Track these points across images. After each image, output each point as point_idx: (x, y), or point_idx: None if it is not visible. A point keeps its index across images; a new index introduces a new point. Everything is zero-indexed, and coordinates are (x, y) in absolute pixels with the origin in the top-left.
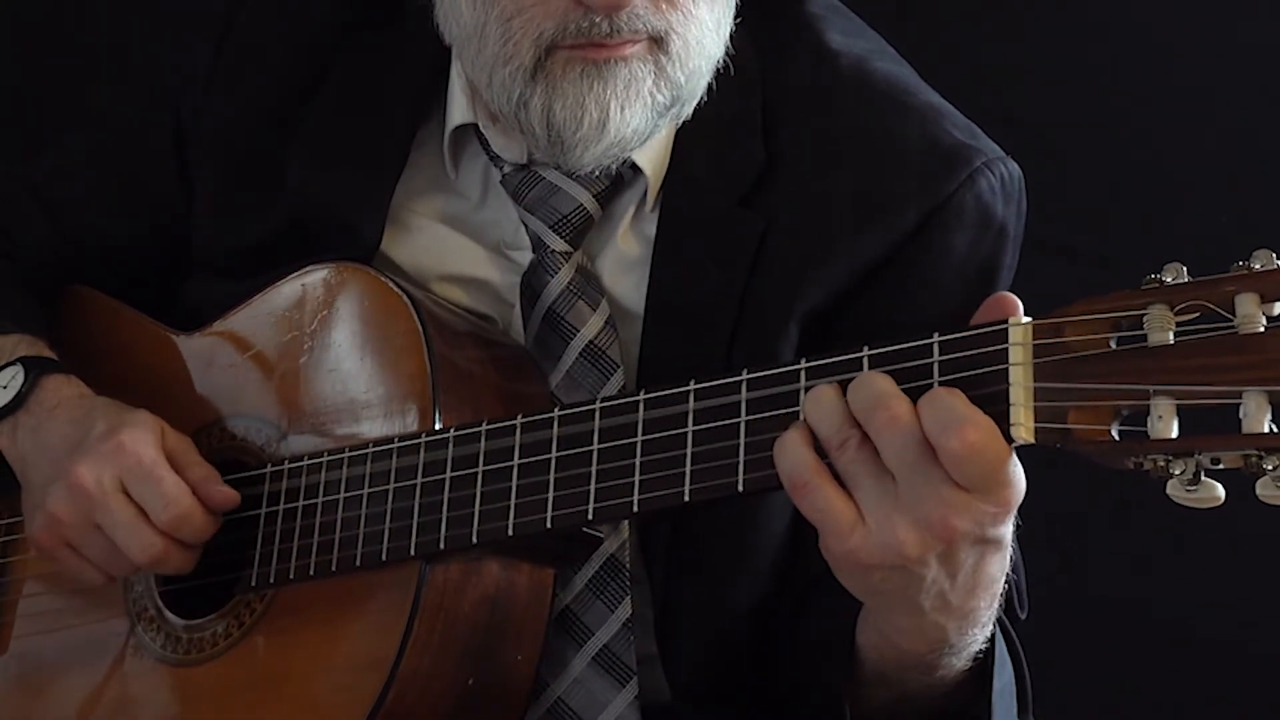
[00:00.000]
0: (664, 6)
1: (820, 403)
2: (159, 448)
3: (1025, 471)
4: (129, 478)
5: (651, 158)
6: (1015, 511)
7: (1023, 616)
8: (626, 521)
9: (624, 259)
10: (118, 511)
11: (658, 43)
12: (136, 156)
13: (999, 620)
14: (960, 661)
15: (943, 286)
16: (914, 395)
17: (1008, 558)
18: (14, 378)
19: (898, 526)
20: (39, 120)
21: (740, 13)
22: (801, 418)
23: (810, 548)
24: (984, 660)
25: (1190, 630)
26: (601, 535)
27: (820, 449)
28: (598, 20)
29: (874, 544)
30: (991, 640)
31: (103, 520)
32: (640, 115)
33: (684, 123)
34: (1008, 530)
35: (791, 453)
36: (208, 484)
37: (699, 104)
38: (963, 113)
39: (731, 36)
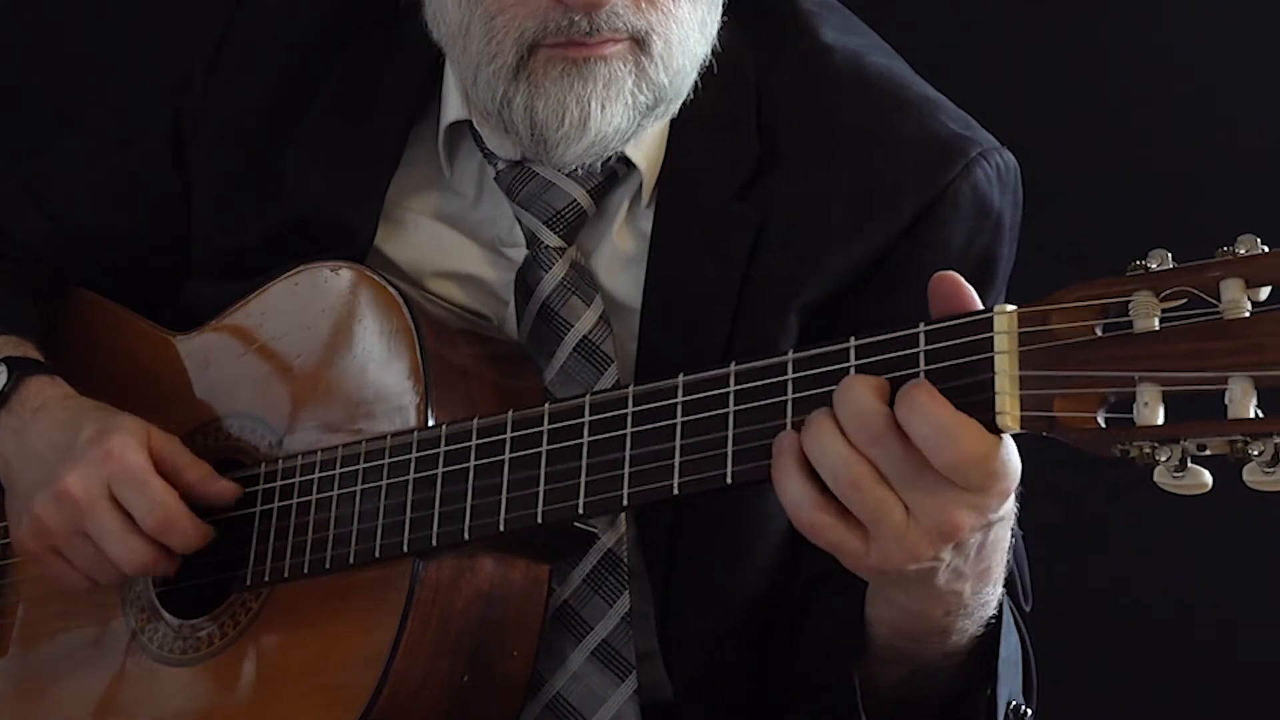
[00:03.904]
0: (644, 6)
1: (822, 439)
2: (146, 452)
3: (1026, 471)
4: (116, 484)
5: (646, 153)
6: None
7: (1027, 608)
8: (624, 516)
9: (619, 254)
10: (105, 519)
11: (639, 43)
12: (134, 156)
13: (1007, 601)
14: (973, 625)
15: None
16: (900, 385)
17: (1013, 518)
18: None
19: (908, 542)
20: (39, 120)
21: (733, 8)
22: (798, 443)
23: (813, 547)
24: (993, 627)
25: (1191, 630)
26: (597, 531)
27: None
28: (577, 19)
29: (889, 559)
30: (999, 607)
31: (90, 528)
32: (621, 114)
33: (678, 118)
34: (1011, 502)
35: (793, 492)
36: (206, 481)
37: (693, 100)
38: (956, 106)
39: (725, 31)
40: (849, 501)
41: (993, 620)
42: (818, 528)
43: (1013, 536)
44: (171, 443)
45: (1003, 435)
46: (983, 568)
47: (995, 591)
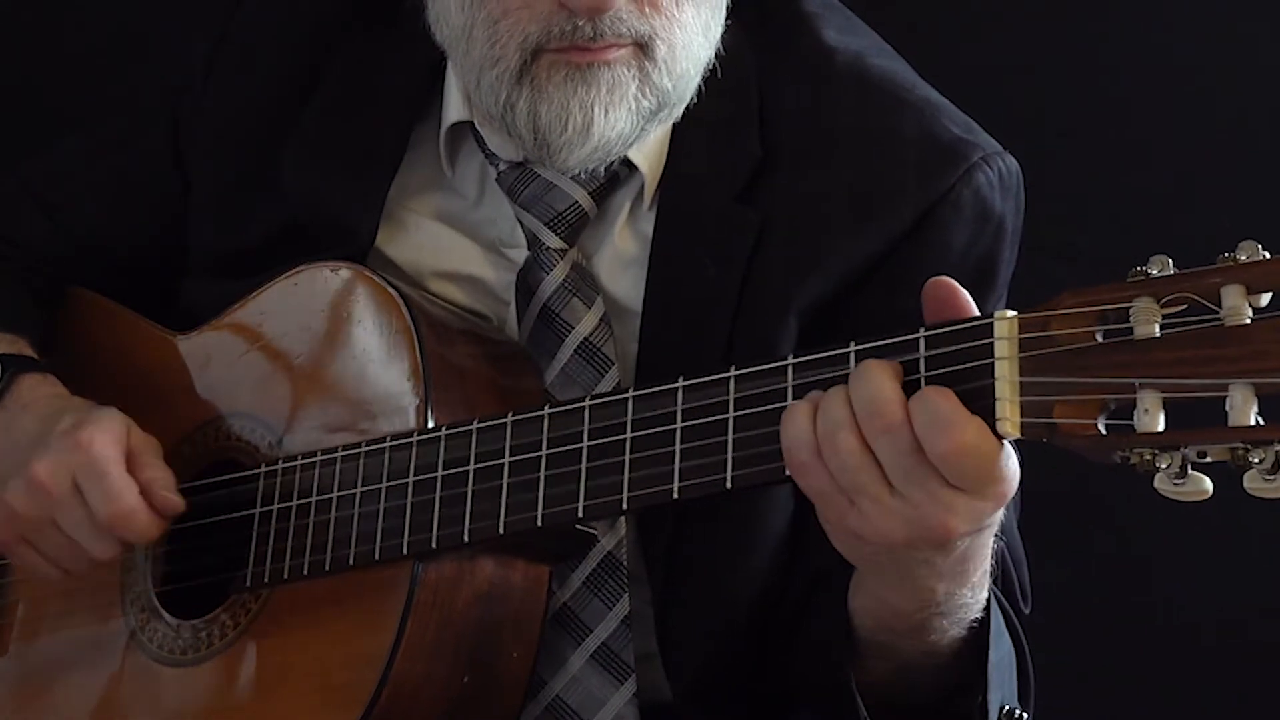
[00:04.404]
0: (648, 10)
1: (831, 408)
2: (119, 444)
3: (1025, 471)
4: (80, 473)
5: (647, 155)
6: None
7: (1026, 611)
8: (624, 519)
9: (621, 256)
10: (73, 509)
11: (643, 48)
12: (134, 157)
13: (1001, 604)
14: (954, 628)
15: None
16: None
17: (998, 525)
18: None
19: (893, 525)
20: (39, 120)
21: (736, 11)
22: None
23: (812, 544)
24: (980, 631)
25: (1190, 629)
26: (597, 534)
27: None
28: (581, 24)
29: (870, 532)
30: (987, 610)
31: (59, 518)
32: (625, 119)
33: (680, 121)
34: (1001, 511)
35: (794, 427)
36: (154, 486)
37: (695, 102)
38: (959, 110)
39: (727, 34)
40: (830, 464)
41: (976, 624)
42: (809, 471)
43: (1002, 536)
44: (147, 442)
45: (1003, 441)
46: (960, 570)
47: (975, 596)
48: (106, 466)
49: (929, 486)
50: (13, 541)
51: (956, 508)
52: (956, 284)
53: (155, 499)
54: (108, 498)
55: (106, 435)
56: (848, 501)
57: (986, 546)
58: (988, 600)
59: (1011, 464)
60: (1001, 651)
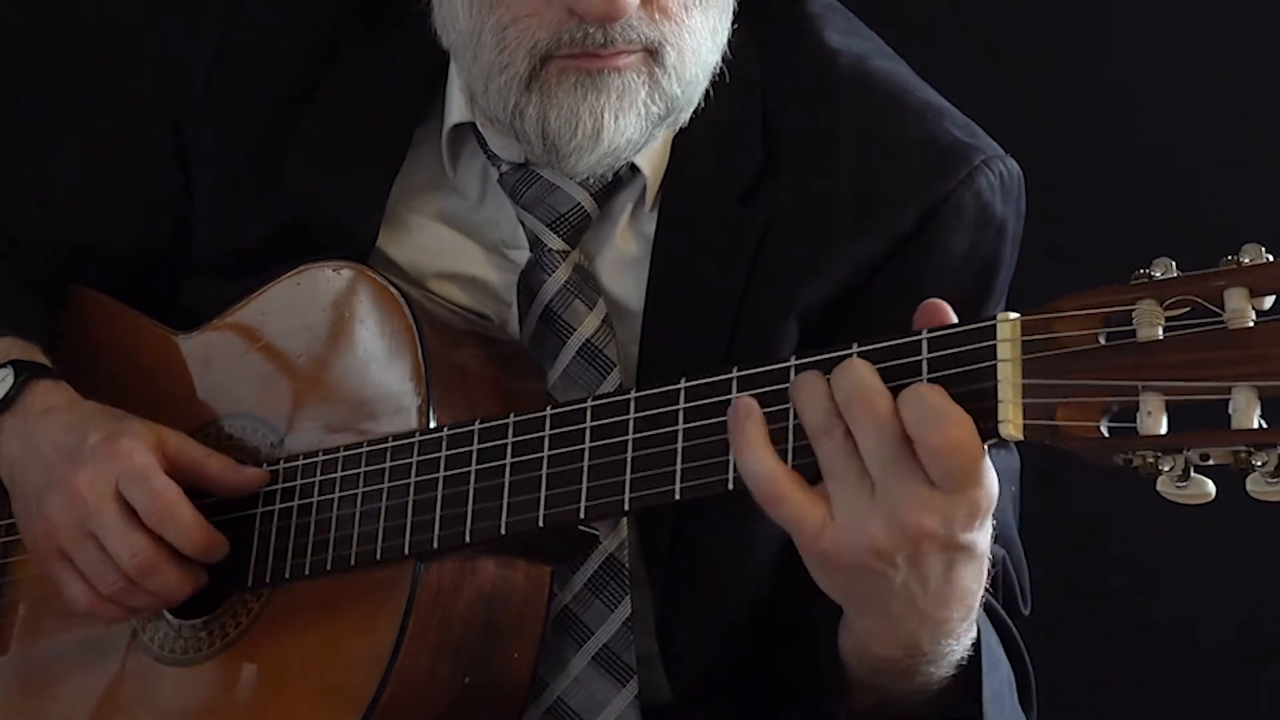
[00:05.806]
0: (658, 17)
1: (807, 387)
2: (155, 452)
3: (1025, 472)
4: (123, 481)
5: (650, 158)
6: (988, 519)
7: (1025, 613)
8: (625, 520)
9: (623, 258)
10: (110, 515)
11: (652, 54)
12: (135, 157)
13: (998, 618)
14: (941, 670)
15: (943, 285)
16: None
17: (984, 570)
18: (2, 380)
19: (868, 523)
20: (39, 120)
21: (739, 13)
22: (759, 416)
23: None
24: (969, 666)
25: (1191, 630)
26: (599, 534)
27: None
28: (591, 30)
29: (844, 542)
30: (976, 647)
31: (95, 526)
32: (635, 125)
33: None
34: (981, 539)
35: (752, 460)
36: (231, 471)
37: (700, 105)
38: (961, 112)
39: (732, 36)
40: (819, 447)
41: (964, 662)
42: (777, 499)
43: (995, 538)
44: (186, 441)
45: (984, 446)
46: (943, 615)
47: (959, 645)
48: (149, 472)
49: (905, 476)
50: (51, 556)
51: (929, 503)
52: (949, 309)
53: (237, 480)
54: (152, 498)
55: (141, 443)
56: (819, 521)
57: (970, 593)
58: (976, 637)
59: (991, 474)
60: (999, 682)
